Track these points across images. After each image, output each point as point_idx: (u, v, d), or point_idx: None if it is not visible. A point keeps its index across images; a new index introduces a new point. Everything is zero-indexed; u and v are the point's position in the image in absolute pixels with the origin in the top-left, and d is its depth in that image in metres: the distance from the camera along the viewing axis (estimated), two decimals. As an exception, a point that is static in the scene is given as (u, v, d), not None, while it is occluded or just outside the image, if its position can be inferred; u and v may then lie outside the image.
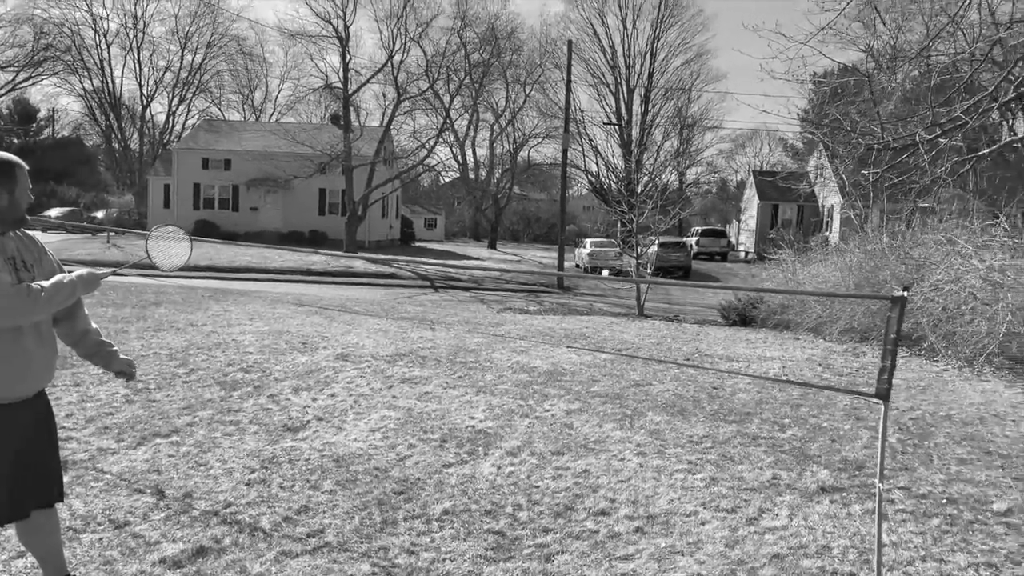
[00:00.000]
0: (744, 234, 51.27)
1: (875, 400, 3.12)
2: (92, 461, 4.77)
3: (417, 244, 48.40)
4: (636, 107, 48.30)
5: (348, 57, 33.78)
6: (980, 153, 9.81)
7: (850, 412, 6.78)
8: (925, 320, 10.12)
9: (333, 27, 33.59)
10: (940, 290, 10.17)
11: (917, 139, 9.26)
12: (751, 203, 49.12)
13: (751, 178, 51.09)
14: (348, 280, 23.68)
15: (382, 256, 31.18)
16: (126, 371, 3.13)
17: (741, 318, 14.12)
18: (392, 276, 25.05)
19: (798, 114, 32.10)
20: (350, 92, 34.49)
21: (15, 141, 53.11)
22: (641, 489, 4.69)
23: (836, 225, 36.24)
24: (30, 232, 3.00)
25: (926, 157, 9.49)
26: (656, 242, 18.34)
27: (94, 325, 3.14)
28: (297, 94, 47.86)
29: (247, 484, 4.54)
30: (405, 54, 34.73)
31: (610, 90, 47.80)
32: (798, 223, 42.60)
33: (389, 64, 34.40)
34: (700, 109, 52.51)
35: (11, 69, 53.47)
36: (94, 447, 5.03)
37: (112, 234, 32.56)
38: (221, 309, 12.34)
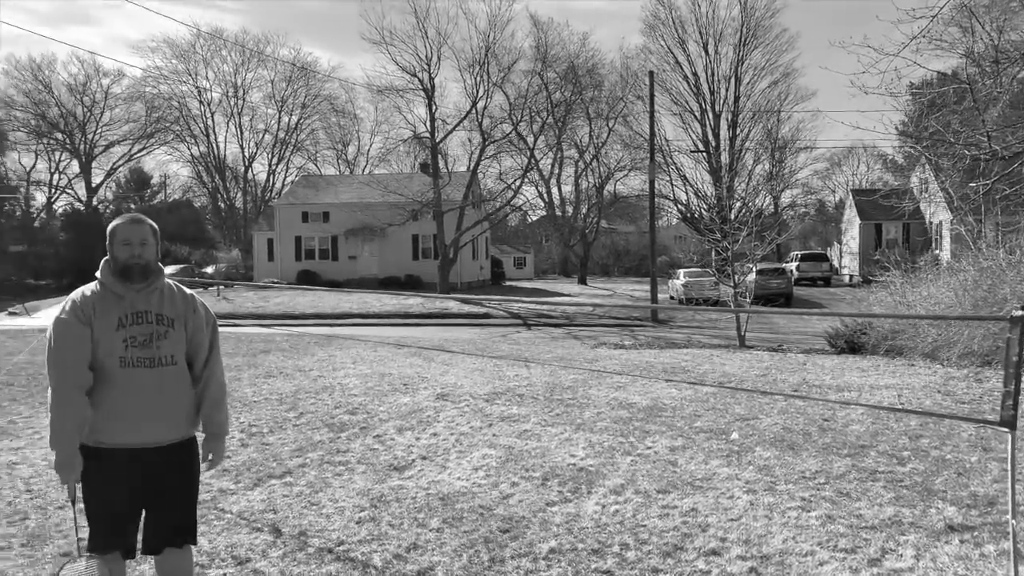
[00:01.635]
0: (847, 257, 49.27)
1: (1002, 429, 2.93)
2: (214, 501, 5.00)
3: (508, 283, 48.82)
4: (723, 132, 47.58)
5: (434, 107, 34.88)
6: (1104, 158, 9.15)
7: (976, 443, 6.36)
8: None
9: (419, 80, 34.82)
10: (1069, 306, 9.47)
11: (1030, 147, 8.74)
12: (852, 224, 47.26)
13: (850, 198, 49.25)
14: (443, 321, 24.09)
15: (475, 296, 31.64)
16: (207, 458, 3.25)
17: (849, 345, 13.52)
18: (485, 316, 25.32)
19: (896, 128, 30.79)
20: (437, 140, 35.52)
21: (132, 207, 57.16)
22: (753, 528, 4.53)
23: (946, 242, 34.39)
24: (186, 289, 3.20)
25: (1042, 166, 8.93)
26: (754, 269, 17.84)
27: (213, 393, 3.19)
28: (387, 146, 49.63)
29: (358, 522, 4.67)
30: (488, 99, 35.58)
31: (695, 117, 47.31)
32: (904, 242, 40.69)
33: (473, 111, 35.30)
34: (791, 130, 51.21)
35: (127, 142, 57.94)
36: (215, 488, 5.28)
37: (222, 287, 34.37)
38: (326, 354, 12.79)
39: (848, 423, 7.19)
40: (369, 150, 63.53)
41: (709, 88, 47.03)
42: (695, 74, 46.88)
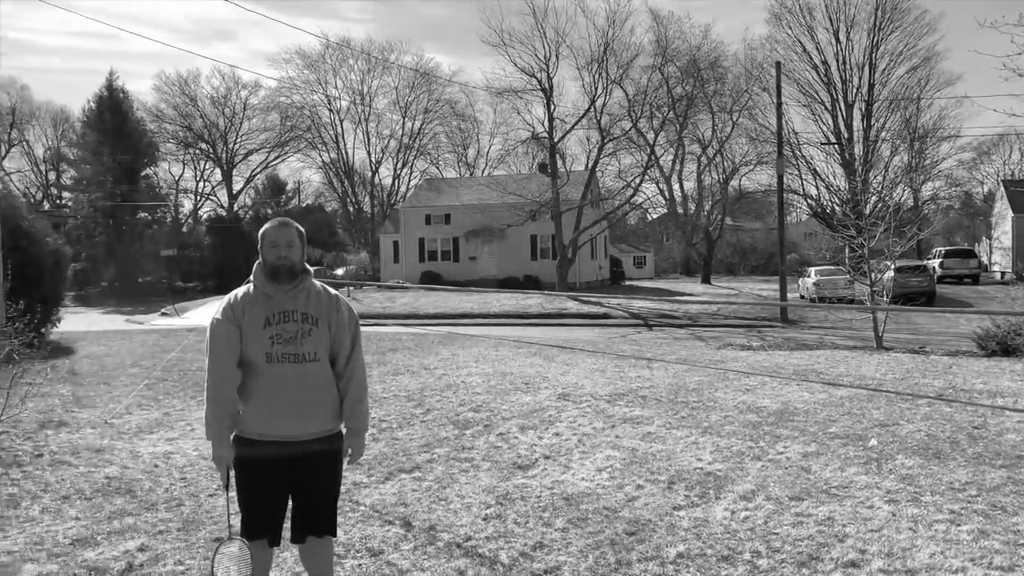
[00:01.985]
0: (997, 252, 45.57)
1: None
2: (348, 494, 5.23)
3: (627, 283, 48.27)
4: (857, 123, 44.99)
5: (552, 107, 34.97)
6: None
7: None
8: None
9: (537, 80, 35.00)
10: None
11: None
12: (1004, 217, 43.65)
13: (1001, 189, 45.52)
14: (562, 322, 24.12)
15: (594, 296, 31.48)
16: (347, 452, 3.37)
17: (1002, 347, 12.49)
18: (604, 316, 25.16)
19: (1055, 112, 28.12)
20: (555, 140, 35.59)
21: (269, 212, 60.79)
22: (896, 540, 4.28)
23: (1117, 235, 31.16)
24: (331, 290, 3.38)
25: None
26: (892, 267, 16.78)
27: (354, 390, 3.30)
28: (506, 147, 50.13)
29: (484, 519, 4.75)
30: (607, 97, 35.29)
31: (826, 108, 44.99)
32: (1065, 236, 37.18)
33: (592, 109, 35.13)
34: (932, 118, 47.43)
35: (264, 150, 61.60)
36: (349, 481, 5.51)
37: (352, 288, 35.89)
38: (449, 353, 13.10)
39: (1002, 431, 6.66)
40: (488, 152, 64.55)
41: (840, 77, 44.63)
42: (825, 63, 44.62)
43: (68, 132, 60.00)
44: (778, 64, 27.58)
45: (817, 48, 44.69)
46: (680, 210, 53.53)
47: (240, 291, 3.28)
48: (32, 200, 56.27)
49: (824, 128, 45.17)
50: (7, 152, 56.68)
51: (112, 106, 49.34)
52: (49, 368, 10.68)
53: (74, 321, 21.56)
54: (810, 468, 5.71)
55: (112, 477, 5.74)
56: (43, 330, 13.72)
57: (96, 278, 49.23)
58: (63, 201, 59.61)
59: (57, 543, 4.40)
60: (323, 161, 63.68)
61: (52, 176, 63.60)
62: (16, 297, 9.59)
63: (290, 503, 3.32)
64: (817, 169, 44.76)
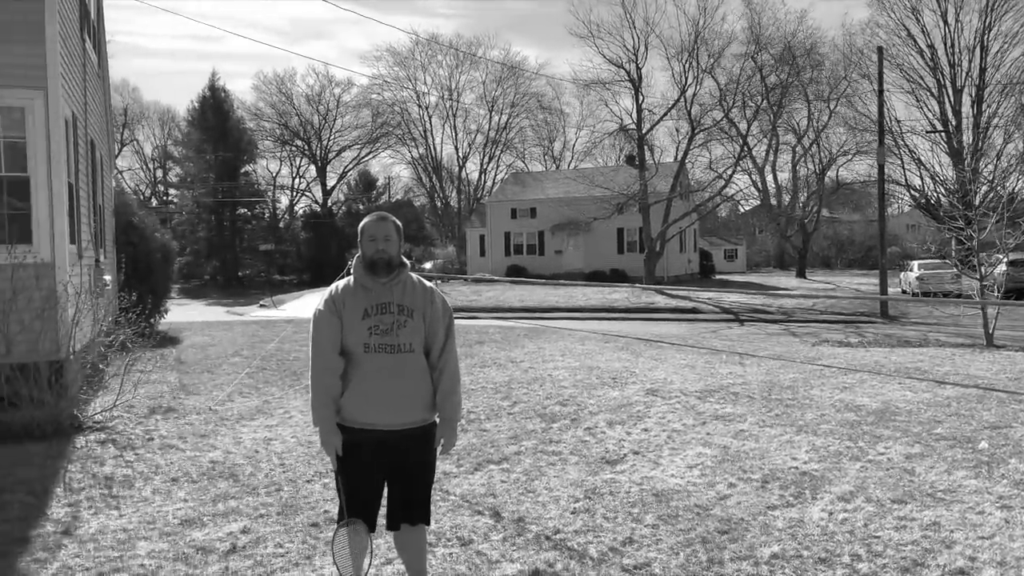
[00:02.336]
0: (1124, 245, 42.07)
1: None
2: (439, 483, 5.31)
3: (717, 276, 47.24)
4: (966, 109, 42.41)
5: (640, 98, 34.53)
6: None
7: None
8: None
9: (625, 71, 34.63)
10: None
11: None
12: None
13: None
14: (649, 316, 23.79)
15: (682, 290, 30.91)
16: (439, 442, 3.41)
17: None
18: (693, 310, 24.67)
19: None
20: (644, 132, 35.11)
21: (361, 207, 62.47)
22: (1009, 548, 4.04)
23: None
24: (426, 283, 3.46)
25: None
26: (1004, 260, 15.79)
27: (447, 381, 3.36)
28: (593, 140, 49.82)
29: (573, 512, 4.75)
30: (698, 87, 34.61)
31: (931, 94, 42.58)
32: None
33: (682, 99, 34.51)
34: (1051, 103, 44.32)
35: (356, 146, 63.31)
36: (439, 471, 5.59)
37: (440, 281, 36.50)
38: (535, 347, 13.14)
39: None
40: (574, 145, 64.33)
41: (948, 61, 42.12)
42: (931, 46, 42.19)
43: (174, 131, 63.28)
44: (880, 49, 26.30)
45: (923, 31, 42.34)
46: (774, 202, 51.83)
47: (340, 283, 3.40)
48: (142, 197, 59.57)
49: (929, 115, 42.81)
50: (120, 151, 60.15)
51: (214, 106, 51.72)
52: (158, 357, 11.32)
53: (179, 312, 22.72)
54: (914, 470, 5.45)
55: (216, 461, 6.03)
56: (152, 320, 14.55)
57: (199, 271, 51.79)
58: (169, 197, 62.93)
59: (167, 523, 4.65)
60: (412, 157, 64.90)
61: (159, 174, 67.21)
62: (128, 289, 10.18)
63: (385, 491, 3.40)
64: (921, 158, 42.52)
